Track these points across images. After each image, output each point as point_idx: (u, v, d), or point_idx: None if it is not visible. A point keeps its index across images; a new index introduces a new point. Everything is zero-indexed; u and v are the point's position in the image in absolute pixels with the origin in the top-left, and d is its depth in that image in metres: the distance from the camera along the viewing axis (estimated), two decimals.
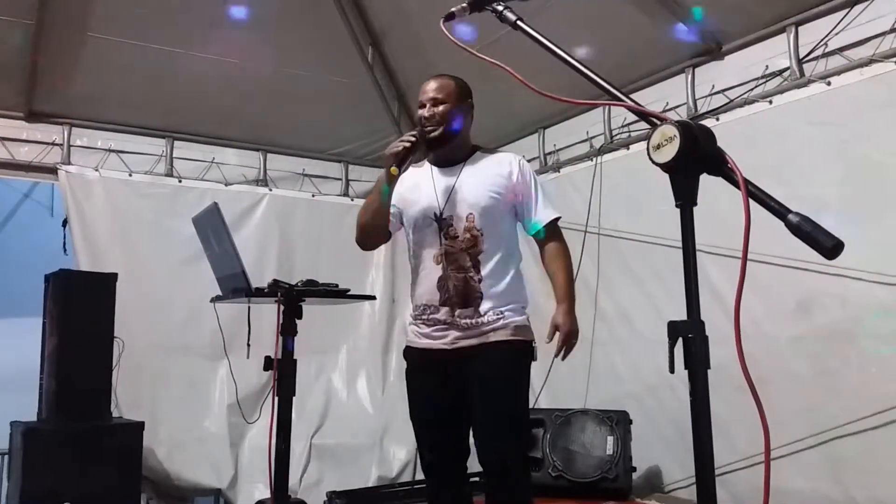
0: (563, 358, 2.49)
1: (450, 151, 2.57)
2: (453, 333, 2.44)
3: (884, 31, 3.10)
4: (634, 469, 3.84)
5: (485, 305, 2.42)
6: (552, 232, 2.57)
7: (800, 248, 1.14)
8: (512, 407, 2.41)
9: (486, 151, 2.63)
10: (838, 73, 3.25)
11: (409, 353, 2.58)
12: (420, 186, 2.58)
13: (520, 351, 2.44)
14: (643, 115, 1.36)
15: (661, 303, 3.87)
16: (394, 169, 2.36)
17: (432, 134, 2.50)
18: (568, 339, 2.48)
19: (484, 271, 2.43)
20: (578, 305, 4.10)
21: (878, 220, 2.99)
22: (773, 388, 3.11)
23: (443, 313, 2.45)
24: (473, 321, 2.42)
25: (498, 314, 2.42)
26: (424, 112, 2.52)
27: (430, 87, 2.54)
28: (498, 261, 2.46)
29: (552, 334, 2.51)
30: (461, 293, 2.43)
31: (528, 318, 2.52)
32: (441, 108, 2.51)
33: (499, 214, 2.50)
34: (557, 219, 2.57)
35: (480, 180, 2.51)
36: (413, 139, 2.42)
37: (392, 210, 2.58)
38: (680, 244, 1.24)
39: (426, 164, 2.64)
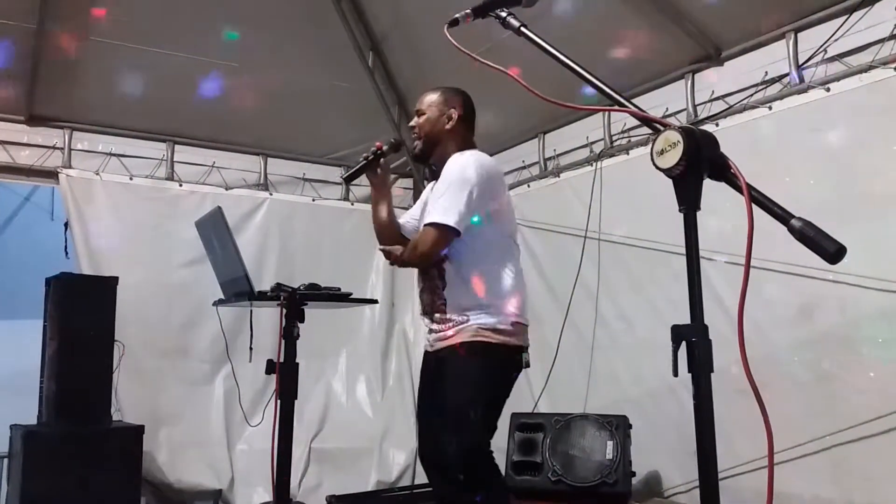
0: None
1: (438, 162, 2.62)
2: (432, 337, 2.55)
3: (883, 37, 3.11)
4: (634, 474, 3.83)
5: (451, 311, 2.46)
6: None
7: (800, 253, 1.15)
8: (446, 403, 2.40)
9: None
10: (837, 79, 3.27)
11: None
12: (421, 201, 2.71)
13: (476, 349, 2.37)
14: (646, 120, 1.38)
15: (662, 308, 3.87)
16: (340, 177, 2.53)
17: (415, 147, 2.65)
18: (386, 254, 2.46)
19: (447, 279, 2.48)
20: (579, 310, 4.16)
21: (877, 227, 3.00)
22: (773, 392, 3.08)
23: (426, 321, 2.59)
24: (442, 326, 2.49)
25: (463, 317, 2.43)
26: (412, 123, 2.64)
27: (419, 101, 2.65)
28: (459, 268, 2.45)
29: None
30: (430, 303, 2.53)
31: (516, 324, 2.43)
32: (420, 119, 2.62)
33: None
34: (434, 224, 2.38)
35: (436, 190, 2.54)
36: (366, 158, 2.53)
37: (412, 221, 2.71)
38: (680, 249, 1.26)
39: None
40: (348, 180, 2.57)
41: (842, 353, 3.14)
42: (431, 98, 2.62)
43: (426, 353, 2.62)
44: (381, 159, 2.55)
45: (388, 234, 2.65)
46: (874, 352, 3.05)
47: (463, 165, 2.43)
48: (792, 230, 1.14)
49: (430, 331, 2.55)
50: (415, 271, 2.64)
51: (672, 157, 1.21)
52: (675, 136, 1.21)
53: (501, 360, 2.41)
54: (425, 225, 2.42)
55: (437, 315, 2.50)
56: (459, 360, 2.39)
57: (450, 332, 2.45)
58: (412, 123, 2.63)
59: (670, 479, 3.89)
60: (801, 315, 3.30)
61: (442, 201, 2.39)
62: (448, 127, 2.58)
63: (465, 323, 2.41)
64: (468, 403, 2.38)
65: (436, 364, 2.52)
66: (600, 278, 4.30)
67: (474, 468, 2.38)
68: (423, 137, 2.60)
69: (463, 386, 2.39)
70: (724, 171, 1.23)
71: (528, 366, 2.47)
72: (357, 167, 2.50)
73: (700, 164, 1.22)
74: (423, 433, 2.64)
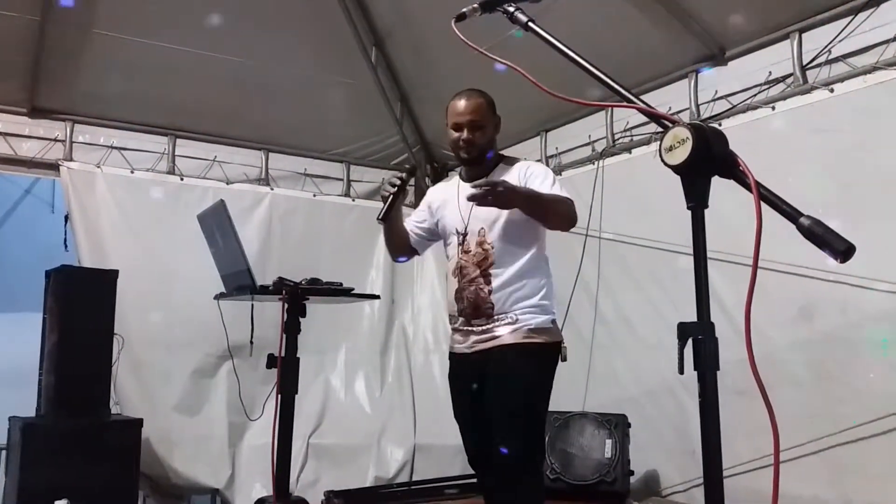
0: (474, 198, 2.25)
1: (477, 167, 2.63)
2: (472, 338, 2.53)
3: (887, 38, 3.11)
4: (632, 472, 3.84)
5: (498, 312, 2.46)
6: None
7: (801, 254, 1.15)
8: (518, 406, 2.41)
9: (508, 162, 2.61)
10: (841, 80, 3.27)
11: (450, 357, 2.67)
12: (448, 203, 2.66)
13: (532, 351, 2.42)
14: (655, 116, 1.37)
15: (662, 307, 3.86)
16: (378, 221, 2.53)
17: (469, 158, 2.57)
18: (493, 185, 2.26)
19: (495, 283, 2.47)
20: (578, 309, 4.16)
21: (879, 228, 3.00)
22: (773, 393, 3.06)
23: (461, 322, 2.56)
24: (487, 326, 2.48)
25: (512, 318, 2.45)
26: (463, 135, 2.52)
27: (466, 109, 2.53)
28: (512, 274, 2.47)
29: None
30: (473, 305, 2.51)
31: (554, 321, 2.52)
32: (479, 132, 2.53)
33: (512, 228, 2.48)
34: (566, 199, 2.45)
35: (532, 183, 2.51)
36: (394, 188, 2.49)
37: (419, 231, 2.75)
38: (681, 248, 1.26)
39: (455, 178, 2.70)
40: (385, 219, 2.54)
41: (842, 353, 3.14)
42: (482, 106, 2.54)
43: (460, 354, 2.58)
44: (406, 187, 2.58)
45: (399, 250, 2.78)
46: (875, 353, 3.04)
47: (545, 171, 2.53)
48: (801, 228, 1.13)
49: (469, 332, 2.53)
50: (422, 272, 2.68)
51: (681, 154, 1.20)
52: (684, 133, 1.20)
53: (552, 358, 2.50)
54: (564, 197, 2.44)
55: (481, 319, 2.49)
56: (518, 363, 2.42)
57: (498, 332, 2.45)
58: (467, 137, 2.52)
59: (668, 478, 3.89)
60: (802, 315, 3.29)
61: (549, 187, 2.45)
62: (496, 132, 2.62)
63: (514, 323, 2.44)
64: (534, 403, 2.46)
65: (485, 365, 2.48)
66: (600, 277, 4.30)
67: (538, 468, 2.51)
68: (480, 148, 2.55)
69: (525, 386, 2.43)
70: (732, 169, 1.22)
71: (564, 359, 2.53)
72: (388, 204, 2.49)
73: (710, 160, 1.21)
74: (483, 436, 2.49)
